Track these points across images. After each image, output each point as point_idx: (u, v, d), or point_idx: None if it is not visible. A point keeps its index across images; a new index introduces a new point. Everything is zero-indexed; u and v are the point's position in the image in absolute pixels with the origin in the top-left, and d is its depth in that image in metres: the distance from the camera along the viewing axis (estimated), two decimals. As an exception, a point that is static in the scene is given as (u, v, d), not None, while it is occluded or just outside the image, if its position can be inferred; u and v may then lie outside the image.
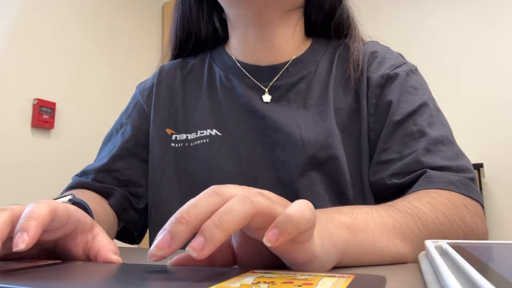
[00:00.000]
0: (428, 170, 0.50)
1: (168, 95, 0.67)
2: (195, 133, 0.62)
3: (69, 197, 0.45)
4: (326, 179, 0.56)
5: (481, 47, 2.67)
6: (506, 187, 2.49)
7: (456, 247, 0.27)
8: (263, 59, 0.64)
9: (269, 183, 0.57)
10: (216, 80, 0.66)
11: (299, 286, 0.22)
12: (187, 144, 0.62)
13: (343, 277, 0.24)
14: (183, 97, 0.66)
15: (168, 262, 0.29)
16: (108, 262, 0.33)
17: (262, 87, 0.62)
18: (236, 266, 0.31)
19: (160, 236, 0.25)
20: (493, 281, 0.16)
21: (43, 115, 2.28)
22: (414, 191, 0.49)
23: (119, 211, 0.63)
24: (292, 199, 0.54)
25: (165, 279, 0.25)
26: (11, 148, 2.15)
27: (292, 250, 0.27)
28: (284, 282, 0.23)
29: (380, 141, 0.56)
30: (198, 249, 0.24)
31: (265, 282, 0.23)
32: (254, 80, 0.63)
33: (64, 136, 2.42)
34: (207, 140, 0.61)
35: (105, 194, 0.62)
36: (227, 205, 0.25)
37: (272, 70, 0.63)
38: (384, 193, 0.54)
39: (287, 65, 0.63)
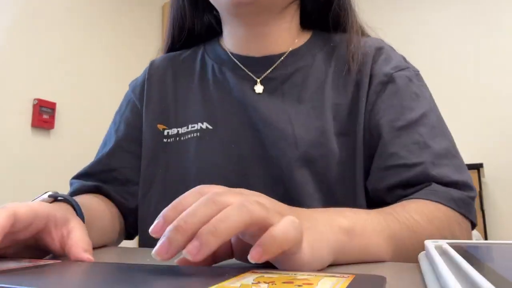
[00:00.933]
0: (433, 183, 0.50)
1: (159, 90, 0.66)
2: (186, 127, 0.61)
3: (49, 193, 0.45)
4: (317, 177, 0.55)
5: (482, 47, 2.67)
6: (506, 187, 2.49)
7: (456, 247, 0.27)
8: (258, 51, 0.63)
9: (260, 180, 0.56)
10: (208, 73, 0.65)
11: (299, 286, 0.22)
12: (178, 138, 0.61)
13: (343, 277, 0.24)
14: (174, 91, 0.65)
15: (175, 261, 0.30)
16: (93, 261, 0.34)
17: (255, 78, 0.61)
18: (234, 264, 0.31)
19: (160, 242, 0.27)
20: (493, 281, 0.16)
21: (43, 115, 2.28)
22: (415, 198, 0.49)
23: (118, 201, 0.62)
24: (283, 196, 0.53)
25: (165, 279, 0.25)
26: (11, 148, 2.15)
27: (280, 260, 0.29)
28: (284, 282, 0.23)
29: (383, 145, 0.54)
30: (193, 252, 0.26)
31: (265, 282, 0.23)
32: (247, 71, 0.62)
33: (64, 136, 2.42)
34: (198, 134, 0.60)
35: (104, 193, 0.62)
36: (224, 213, 0.27)
37: (266, 61, 0.62)
38: (384, 199, 0.53)
39: (283, 57, 0.62)
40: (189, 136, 0.60)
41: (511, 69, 2.59)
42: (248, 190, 0.34)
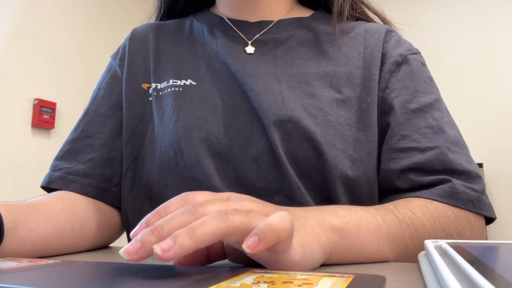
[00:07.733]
0: (453, 180, 0.48)
1: (142, 50, 0.65)
2: (166, 82, 0.60)
3: None
4: (303, 136, 0.52)
5: (481, 46, 2.67)
6: (505, 187, 2.49)
7: (455, 247, 0.27)
8: (252, 17, 0.63)
9: (243, 131, 0.54)
10: (197, 34, 0.64)
11: (299, 286, 0.22)
12: (161, 93, 0.59)
13: (343, 276, 0.24)
14: (156, 48, 0.64)
15: (171, 262, 0.30)
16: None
17: (246, 39, 0.61)
18: (234, 264, 0.31)
19: (132, 242, 0.27)
20: (493, 281, 0.16)
21: (44, 115, 2.28)
22: (421, 197, 0.48)
23: (99, 195, 0.58)
24: (266, 145, 0.52)
25: (165, 279, 0.25)
26: (11, 148, 2.15)
27: (271, 260, 0.29)
28: (284, 282, 0.23)
29: (396, 126, 0.53)
30: (164, 248, 0.25)
31: (265, 282, 0.23)
32: (240, 33, 0.61)
33: (64, 136, 2.42)
34: (180, 89, 0.58)
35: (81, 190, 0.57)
36: (202, 219, 0.27)
37: (260, 25, 0.62)
38: (395, 184, 0.51)
39: (279, 22, 0.62)
40: (169, 90, 0.58)
41: (511, 69, 2.59)
42: (237, 194, 0.35)
